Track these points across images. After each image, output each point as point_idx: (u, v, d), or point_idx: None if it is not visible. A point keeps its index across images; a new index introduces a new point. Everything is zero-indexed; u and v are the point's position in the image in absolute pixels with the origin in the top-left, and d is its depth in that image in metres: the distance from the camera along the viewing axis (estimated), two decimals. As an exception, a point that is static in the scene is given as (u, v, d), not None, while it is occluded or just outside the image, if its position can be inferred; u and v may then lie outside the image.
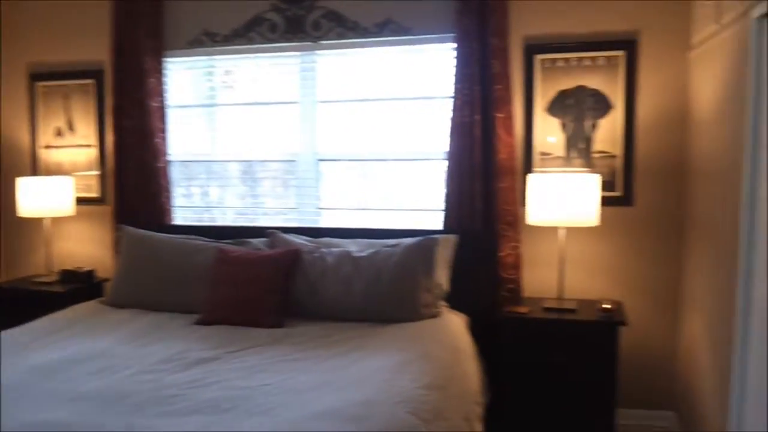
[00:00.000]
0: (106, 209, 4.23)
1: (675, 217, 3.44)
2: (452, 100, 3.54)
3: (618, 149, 3.46)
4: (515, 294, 3.52)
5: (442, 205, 3.60)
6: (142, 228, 3.77)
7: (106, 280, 4.07)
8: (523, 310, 3.26)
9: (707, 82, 3.05)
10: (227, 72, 4.21)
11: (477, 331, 3.27)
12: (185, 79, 4.24)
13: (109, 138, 4.16)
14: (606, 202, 3.37)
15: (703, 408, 2.96)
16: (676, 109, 3.41)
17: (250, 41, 3.95)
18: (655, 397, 3.53)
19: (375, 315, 3.17)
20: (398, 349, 2.76)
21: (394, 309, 3.17)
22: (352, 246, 3.45)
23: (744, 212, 2.46)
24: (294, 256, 3.33)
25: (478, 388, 2.95)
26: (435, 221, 3.70)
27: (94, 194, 4.32)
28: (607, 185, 3.43)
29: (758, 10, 2.39)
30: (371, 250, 3.35)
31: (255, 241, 3.60)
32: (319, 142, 3.98)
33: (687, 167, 3.37)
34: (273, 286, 3.21)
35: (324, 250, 3.41)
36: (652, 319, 3.51)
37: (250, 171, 4.21)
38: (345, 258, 3.32)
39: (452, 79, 3.54)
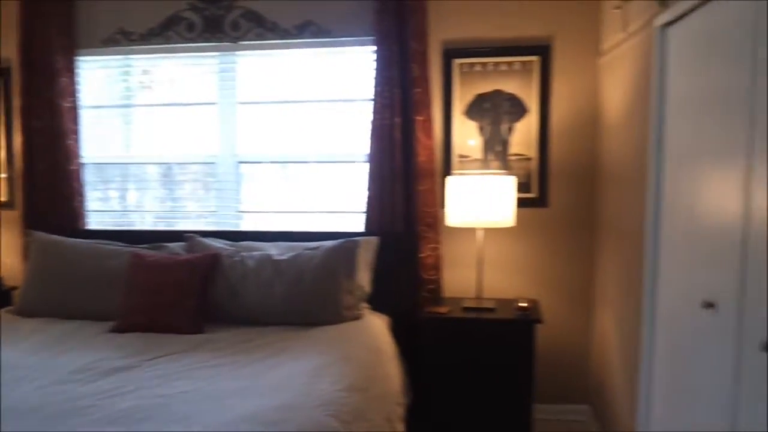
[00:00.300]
0: (14, 214, 4.04)
1: (587, 217, 3.57)
2: (372, 102, 3.55)
3: (533, 152, 3.57)
4: (436, 294, 3.57)
5: (364, 208, 3.61)
6: (54, 233, 3.63)
7: (14, 288, 3.89)
8: (443, 310, 3.31)
9: (615, 87, 3.18)
10: (145, 72, 4.10)
11: (399, 332, 3.30)
12: (100, 79, 4.10)
13: (17, 139, 3.98)
14: (522, 203, 3.47)
15: (615, 401, 3.08)
16: (587, 113, 3.54)
17: (167, 40, 3.86)
18: (570, 392, 3.66)
19: (296, 318, 3.16)
20: (319, 353, 2.75)
21: (316, 312, 3.16)
22: (273, 249, 3.42)
23: (649, 213, 2.58)
24: (212, 260, 3.28)
25: (400, 389, 2.98)
26: (357, 223, 3.71)
27: (0, 198, 4.12)
28: (522, 187, 3.53)
29: (661, 19, 2.51)
30: (292, 253, 3.33)
31: (172, 245, 3.52)
32: (239, 143, 3.93)
33: (598, 169, 3.50)
34: (190, 291, 3.15)
35: (244, 253, 3.37)
36: (567, 316, 3.63)
37: (169, 173, 4.12)
38: (266, 261, 3.29)
39: (372, 82, 3.56)
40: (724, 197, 1.97)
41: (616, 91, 3.17)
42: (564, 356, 3.63)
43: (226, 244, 3.47)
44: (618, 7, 3.10)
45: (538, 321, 3.19)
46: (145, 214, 4.15)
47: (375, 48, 3.55)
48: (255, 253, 3.38)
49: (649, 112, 2.61)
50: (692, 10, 2.25)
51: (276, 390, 2.36)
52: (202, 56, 3.91)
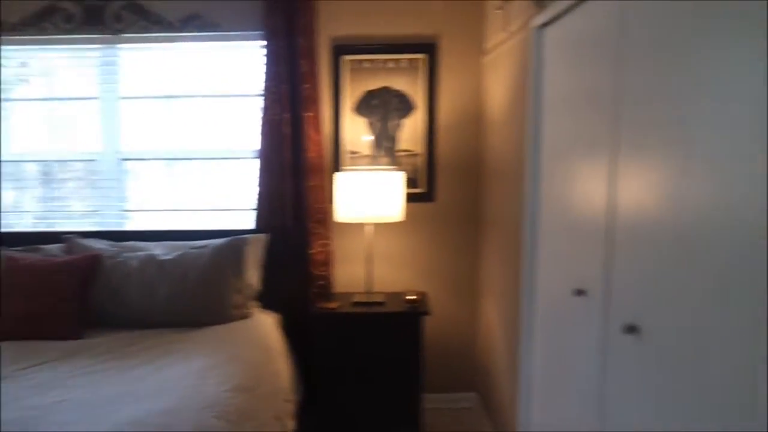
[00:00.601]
0: None
1: (473, 211, 3.68)
2: (262, 98, 3.52)
3: (421, 148, 3.64)
4: (326, 290, 3.59)
5: (254, 204, 3.58)
6: None
7: None
8: (333, 305, 3.33)
9: (498, 85, 3.29)
10: (23, 64, 3.89)
11: (290, 329, 3.30)
12: (-31, 71, 3.86)
13: None
14: (410, 198, 3.54)
15: (500, 387, 3.20)
16: (472, 110, 3.64)
17: (43, 31, 3.68)
18: (459, 380, 3.77)
19: (182, 319, 3.09)
20: (205, 354, 2.71)
21: (202, 312, 3.11)
22: (159, 249, 3.34)
23: (526, 206, 2.70)
24: (92, 261, 3.16)
25: (290, 386, 2.98)
26: (247, 221, 3.68)
27: None
28: (411, 182, 3.60)
29: (538, 20, 2.62)
30: (178, 253, 3.26)
31: (50, 247, 3.36)
32: (123, 140, 3.80)
33: (483, 165, 3.61)
34: (68, 295, 3.03)
35: (127, 254, 3.27)
36: (454, 307, 3.73)
37: (49, 172, 3.93)
38: (149, 261, 3.20)
39: (262, 78, 3.53)
40: (592, 191, 2.09)
41: (498, 88, 3.28)
42: (452, 346, 3.74)
43: (108, 245, 3.35)
44: (500, 8, 3.20)
45: (426, 313, 3.27)
46: (24, 214, 3.94)
47: (264, 43, 3.52)
48: (139, 253, 3.29)
49: (527, 110, 2.72)
50: (565, 12, 2.36)
51: (159, 394, 2.31)
52: (83, 49, 3.75)
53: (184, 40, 3.68)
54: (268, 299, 3.38)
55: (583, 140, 2.18)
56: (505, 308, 3.08)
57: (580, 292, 2.19)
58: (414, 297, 3.34)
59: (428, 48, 3.61)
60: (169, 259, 3.21)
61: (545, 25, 2.60)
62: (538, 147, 2.66)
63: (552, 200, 2.51)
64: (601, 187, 2.01)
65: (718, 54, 1.34)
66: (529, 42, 2.71)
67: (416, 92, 3.61)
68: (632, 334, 1.76)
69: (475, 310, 3.74)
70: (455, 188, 3.67)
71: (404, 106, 3.63)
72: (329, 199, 3.54)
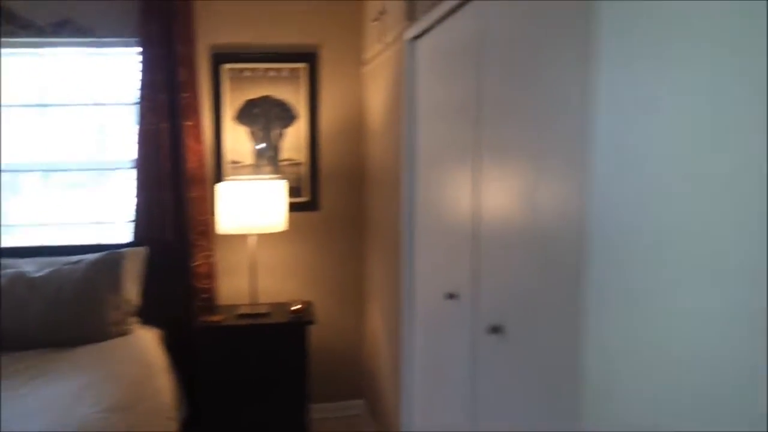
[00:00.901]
0: None
1: (357, 218, 3.73)
2: (138, 107, 3.41)
3: (304, 157, 3.65)
4: (210, 303, 3.52)
5: (132, 217, 3.46)
6: None
7: None
8: (217, 318, 3.28)
9: (376, 95, 3.35)
10: None
11: (173, 344, 3.21)
12: None
13: None
14: (294, 207, 3.54)
15: (384, 391, 3.25)
16: (354, 119, 3.69)
17: None
18: (346, 388, 3.80)
19: (56, 338, 2.94)
20: (81, 373, 2.61)
21: (78, 330, 2.97)
22: (30, 266, 3.16)
23: (404, 213, 2.77)
24: (-48, 282, 2.95)
25: (172, 403, 2.90)
26: (125, 234, 3.55)
27: None
28: (294, 191, 3.60)
29: (410, 33, 2.69)
30: (50, 269, 3.10)
31: None
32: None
33: (365, 173, 3.67)
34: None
35: (-8, 273, 3.07)
36: (340, 315, 3.76)
37: None
38: (18, 279, 3.03)
39: (138, 85, 3.42)
40: (460, 197, 2.17)
41: (377, 98, 3.34)
42: (339, 354, 3.76)
43: (-30, 264, 3.14)
44: (376, 20, 3.27)
45: (311, 322, 3.28)
46: None
47: (140, 50, 3.41)
48: (8, 270, 3.10)
49: (402, 118, 2.80)
50: (434, 25, 2.45)
51: (29, 418, 2.20)
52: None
53: (56, 46, 3.51)
54: (149, 315, 3.27)
55: (453, 148, 2.27)
56: (388, 314, 3.14)
57: (452, 296, 2.28)
58: (299, 307, 3.34)
59: (309, 57, 3.62)
60: (41, 276, 3.04)
61: (417, 37, 2.68)
62: (414, 155, 2.74)
63: (428, 207, 2.59)
64: (467, 193, 2.10)
65: (561, 68, 1.44)
66: (403, 53, 2.79)
67: (298, 101, 3.62)
68: (496, 334, 1.85)
69: (361, 317, 3.79)
70: (340, 196, 3.70)
71: (286, 115, 3.62)
72: (211, 211, 3.48)
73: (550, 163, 1.50)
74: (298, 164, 3.64)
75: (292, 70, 3.61)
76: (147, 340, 3.10)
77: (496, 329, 1.85)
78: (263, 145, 3.61)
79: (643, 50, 1.18)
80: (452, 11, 2.24)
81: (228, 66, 3.58)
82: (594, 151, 1.28)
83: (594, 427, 1.34)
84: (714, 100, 0.92)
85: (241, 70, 3.59)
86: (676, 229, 1.07)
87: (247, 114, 3.60)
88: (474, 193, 2.03)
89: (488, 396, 1.96)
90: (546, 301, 1.52)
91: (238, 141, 3.61)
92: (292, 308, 3.33)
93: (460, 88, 2.18)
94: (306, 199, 3.65)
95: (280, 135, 3.63)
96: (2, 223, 3.61)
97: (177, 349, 3.20)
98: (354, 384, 3.81)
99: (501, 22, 1.83)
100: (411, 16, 2.74)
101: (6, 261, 3.21)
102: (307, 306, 3.46)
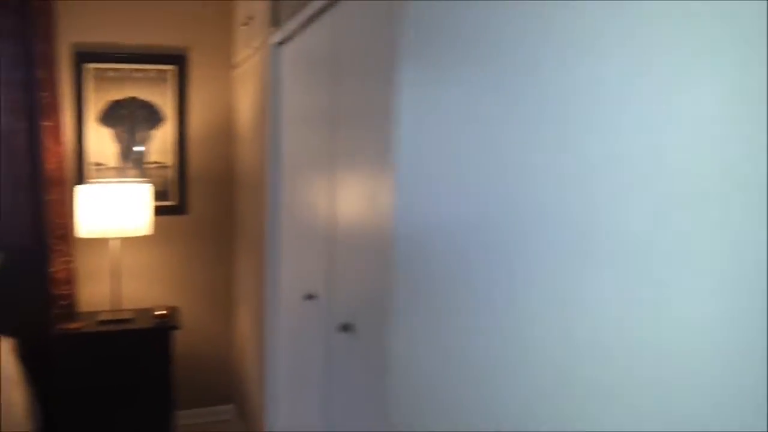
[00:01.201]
0: None
1: (226, 223, 3.71)
2: (-9, 106, 3.25)
3: (171, 160, 3.59)
4: (69, 310, 3.38)
5: (-16, 221, 3.28)
6: None
7: None
8: (76, 325, 3.16)
9: (246, 99, 3.36)
10: None
11: (30, 354, 3.07)
12: None
13: None
14: (161, 211, 3.48)
15: (252, 394, 3.26)
16: (224, 123, 3.67)
17: None
18: (216, 393, 3.76)
19: None
20: None
21: None
22: None
23: (268, 217, 2.80)
24: None
25: (24, 416, 2.77)
26: (-25, 238, 3.35)
27: None
28: (161, 195, 3.53)
29: (275, 38, 2.73)
30: None
31: None
32: None
33: (235, 177, 3.66)
34: None
35: None
36: (209, 319, 3.72)
37: None
38: None
39: (-9, 84, 3.26)
40: (318, 202, 2.24)
41: (246, 102, 3.35)
42: (208, 359, 3.73)
43: None
44: (245, 24, 3.28)
45: (175, 327, 3.23)
46: None
47: (-7, 46, 3.25)
48: None
49: (266, 123, 2.83)
50: (297, 32, 2.50)
51: None
52: None
53: None
54: (2, 323, 3.11)
55: (314, 154, 2.33)
56: (255, 317, 3.15)
57: (311, 297, 2.33)
58: (164, 312, 3.29)
59: (178, 60, 3.58)
60: None
61: (282, 43, 2.72)
62: (278, 160, 2.78)
63: (292, 211, 2.63)
64: (324, 198, 2.16)
65: (378, 82, 1.53)
66: (268, 58, 2.82)
67: (166, 103, 3.56)
68: (347, 333, 1.92)
69: (230, 321, 3.76)
70: (209, 200, 3.67)
71: (153, 117, 3.56)
72: (71, 214, 3.35)
73: (381, 168, 1.59)
74: (165, 167, 3.58)
75: (160, 71, 3.55)
76: (-3, 351, 2.95)
77: (346, 327, 1.92)
78: (142, 148, 3.53)
79: (436, 74, 1.29)
80: (311, 20, 2.30)
81: (92, 65, 3.47)
82: (398, 155, 1.39)
83: (399, 426, 1.43)
84: (493, 111, 1.03)
85: (106, 70, 3.49)
86: (472, 226, 1.17)
87: (112, 115, 3.50)
88: (330, 197, 2.10)
89: (340, 393, 2.02)
90: (384, 298, 1.60)
91: (103, 143, 3.50)
92: (157, 313, 3.27)
93: (320, 96, 2.25)
94: (173, 203, 3.59)
95: (147, 137, 3.55)
96: None
97: (32, 358, 3.06)
98: (223, 388, 3.78)
99: (349, 34, 1.92)
100: (276, 22, 2.78)
101: None
102: (173, 311, 3.40)
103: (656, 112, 0.72)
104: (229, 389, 3.78)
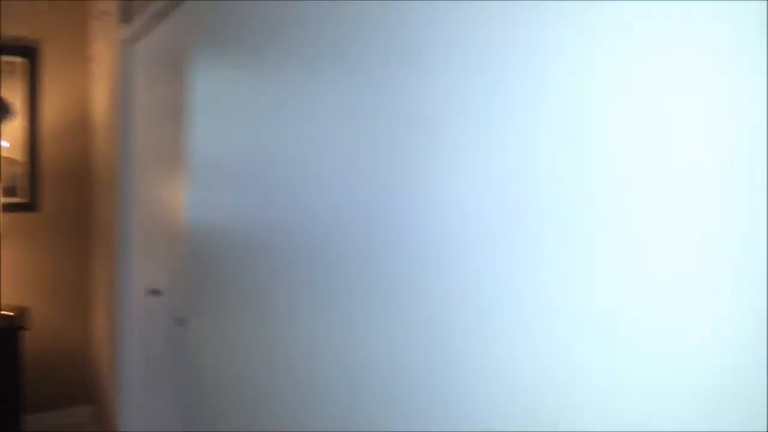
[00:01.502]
0: None
1: (82, 219, 3.61)
2: None
3: (22, 155, 3.46)
4: None
5: None
6: None
7: None
8: None
9: (101, 93, 3.30)
10: None
11: None
12: None
13: None
14: (9, 208, 3.34)
15: (108, 395, 3.20)
16: (80, 118, 3.58)
17: None
18: (71, 395, 3.65)
19: None
20: None
21: None
22: None
23: (120, 213, 2.77)
24: None
25: None
26: None
27: None
28: (9, 191, 3.39)
29: (125, 34, 2.71)
30: None
31: None
32: None
33: (91, 173, 3.57)
34: None
35: None
36: (63, 319, 3.61)
37: None
38: None
39: None
40: (167, 199, 2.26)
41: (101, 97, 3.29)
42: (62, 360, 3.61)
43: None
44: (100, 18, 3.22)
45: (23, 328, 3.12)
46: None
47: None
48: None
49: (118, 119, 2.80)
50: (147, 29, 2.49)
51: None
52: None
53: None
54: None
55: (166, 151, 2.34)
56: (109, 314, 3.11)
57: (155, 292, 2.35)
58: (11, 313, 3.17)
59: (29, 52, 3.45)
60: None
61: (135, 39, 2.71)
62: (130, 156, 2.76)
63: (145, 208, 2.63)
64: (171, 195, 2.19)
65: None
66: (118, 54, 2.80)
67: (16, 96, 3.43)
68: (182, 326, 1.97)
69: (86, 319, 3.67)
70: (64, 197, 3.56)
71: (2, 110, 3.41)
72: None
73: (180, 167, 1.66)
74: (15, 163, 3.44)
75: (9, 63, 3.42)
76: None
77: (181, 321, 1.97)
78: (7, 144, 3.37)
79: (227, 75, 1.37)
80: (159, 17, 2.31)
81: (-70, 55, 3.29)
82: (191, 155, 1.47)
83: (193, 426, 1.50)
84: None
85: (-52, 60, 3.32)
86: (251, 226, 1.24)
87: (-45, 107, 3.33)
88: (175, 195, 2.13)
89: (180, 386, 2.06)
90: (184, 294, 1.66)
91: (-56, 136, 3.32)
92: (2, 314, 3.15)
93: (167, 93, 2.27)
94: (24, 200, 3.46)
95: (-6, 131, 3.41)
96: None
97: None
98: (79, 390, 3.67)
99: (187, 33, 1.96)
100: (127, 19, 2.76)
101: None
102: (21, 311, 3.28)
103: (654, 113, 0.65)
104: (86, 390, 3.68)
